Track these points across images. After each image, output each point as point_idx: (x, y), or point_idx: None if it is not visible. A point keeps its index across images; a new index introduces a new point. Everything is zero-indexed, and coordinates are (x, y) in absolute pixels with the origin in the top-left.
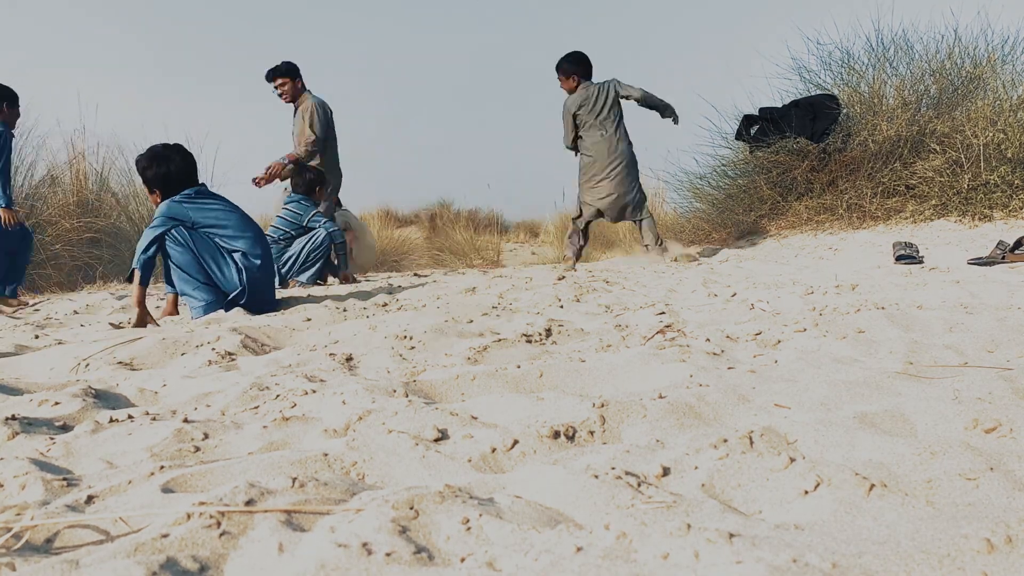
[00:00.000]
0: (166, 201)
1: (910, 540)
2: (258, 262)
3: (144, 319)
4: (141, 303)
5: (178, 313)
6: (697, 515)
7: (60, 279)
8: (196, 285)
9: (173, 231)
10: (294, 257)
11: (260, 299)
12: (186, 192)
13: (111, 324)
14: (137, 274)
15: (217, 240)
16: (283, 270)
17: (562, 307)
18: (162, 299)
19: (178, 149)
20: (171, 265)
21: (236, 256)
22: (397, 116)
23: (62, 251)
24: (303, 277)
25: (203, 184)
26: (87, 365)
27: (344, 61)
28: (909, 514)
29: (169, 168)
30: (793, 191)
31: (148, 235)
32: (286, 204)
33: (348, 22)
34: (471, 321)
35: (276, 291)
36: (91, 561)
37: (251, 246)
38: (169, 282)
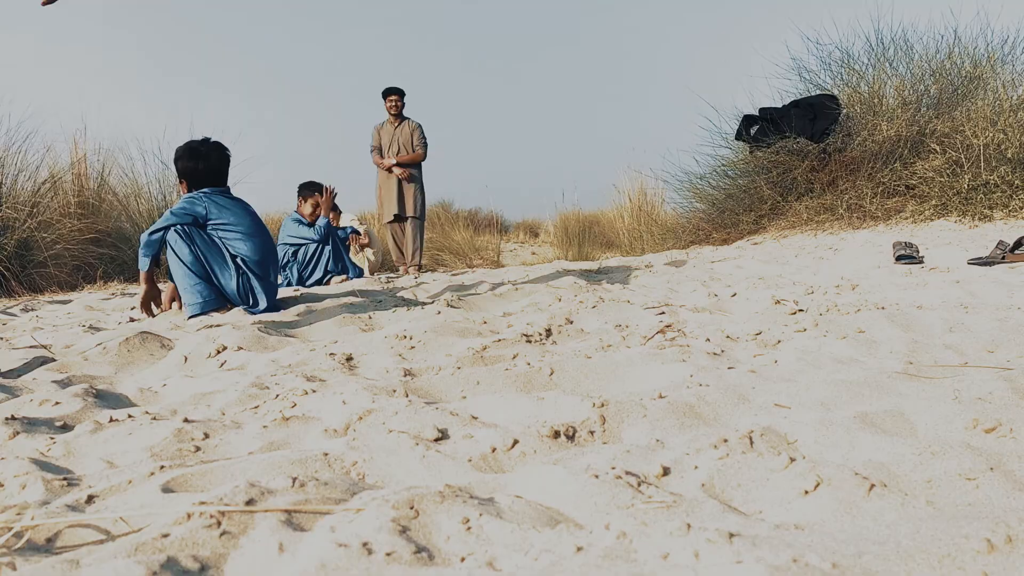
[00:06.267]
0: (189, 195)
1: (910, 540)
2: (258, 271)
3: (150, 294)
4: (149, 279)
5: (173, 305)
6: (697, 515)
7: (61, 279)
8: (195, 281)
9: (180, 225)
10: (293, 264)
11: (258, 305)
12: (206, 190)
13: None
14: (143, 258)
15: (224, 240)
16: (294, 280)
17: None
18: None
19: (216, 148)
20: (172, 260)
21: (238, 261)
22: None
23: (63, 251)
24: (310, 282)
25: (227, 187)
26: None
27: (344, 61)
28: (909, 514)
29: (200, 164)
30: (793, 191)
31: (160, 222)
32: (285, 227)
33: (347, 22)
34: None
35: (278, 293)
36: (91, 561)
37: (255, 251)
38: (171, 277)
